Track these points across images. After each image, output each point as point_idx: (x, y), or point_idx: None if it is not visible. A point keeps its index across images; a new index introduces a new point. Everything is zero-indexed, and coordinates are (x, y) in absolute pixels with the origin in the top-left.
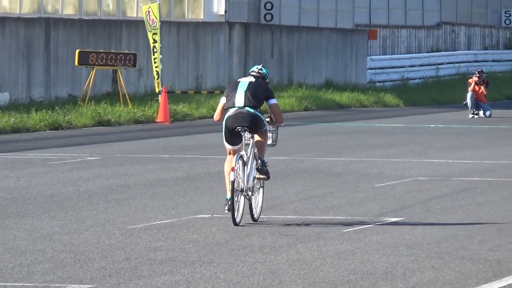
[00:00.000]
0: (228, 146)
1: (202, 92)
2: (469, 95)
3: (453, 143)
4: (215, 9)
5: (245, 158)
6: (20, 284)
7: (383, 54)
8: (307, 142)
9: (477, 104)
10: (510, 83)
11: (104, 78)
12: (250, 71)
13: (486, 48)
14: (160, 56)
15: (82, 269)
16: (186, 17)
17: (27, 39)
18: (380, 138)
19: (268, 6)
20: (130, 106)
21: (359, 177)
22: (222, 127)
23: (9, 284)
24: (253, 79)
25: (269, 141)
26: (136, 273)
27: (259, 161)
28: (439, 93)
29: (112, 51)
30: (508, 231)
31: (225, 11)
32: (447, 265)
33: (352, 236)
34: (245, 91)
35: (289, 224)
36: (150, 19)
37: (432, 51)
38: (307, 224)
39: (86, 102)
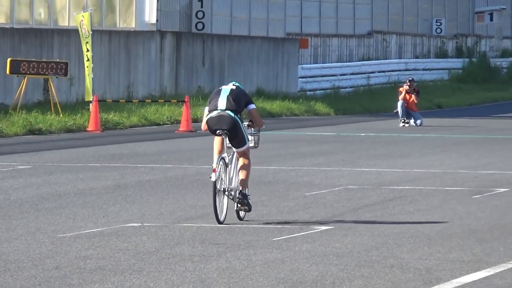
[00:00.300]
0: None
1: (133, 100)
2: (399, 103)
3: (383, 151)
4: (146, 18)
5: (226, 160)
6: None
7: (314, 63)
8: None
9: (408, 112)
10: (440, 92)
11: (36, 87)
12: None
13: (417, 57)
14: (92, 65)
15: (12, 277)
16: (118, 26)
17: None
18: (310, 147)
19: (200, 15)
20: (61, 115)
21: (290, 185)
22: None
23: None
24: (234, 87)
25: (251, 144)
26: (66, 282)
27: (240, 195)
28: (370, 102)
29: (44, 60)
30: (438, 240)
31: (157, 20)
32: (376, 274)
33: (282, 245)
34: (228, 96)
35: (219, 233)
36: (83, 28)
37: (363, 60)
38: (237, 233)
39: (17, 111)
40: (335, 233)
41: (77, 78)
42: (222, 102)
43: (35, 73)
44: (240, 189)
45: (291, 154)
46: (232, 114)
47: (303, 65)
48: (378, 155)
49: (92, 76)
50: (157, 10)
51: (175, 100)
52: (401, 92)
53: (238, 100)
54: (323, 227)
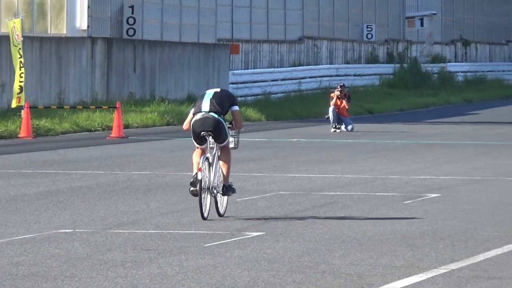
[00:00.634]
0: (196, 145)
1: (65, 107)
2: (331, 109)
3: (314, 157)
4: (77, 24)
5: (210, 160)
6: None
7: (245, 69)
8: (169, 157)
9: (339, 118)
10: (371, 97)
11: None
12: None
13: (348, 62)
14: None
15: None
16: (49, 32)
17: None
18: (242, 153)
19: (131, 21)
20: None
21: None
22: (191, 130)
23: None
24: (218, 90)
25: (232, 145)
26: None
27: (224, 188)
28: (301, 107)
29: None
30: (369, 245)
31: (88, 26)
32: (308, 279)
33: (214, 251)
34: (211, 99)
35: (151, 239)
36: (15, 34)
37: (295, 65)
38: (168, 239)
39: None
40: (267, 239)
41: (8, 85)
42: (205, 105)
43: None
44: (223, 183)
45: None
46: (216, 116)
47: (234, 71)
48: (309, 160)
49: (24, 82)
50: (88, 16)
51: (106, 106)
52: (332, 98)
53: (222, 102)
54: (255, 233)
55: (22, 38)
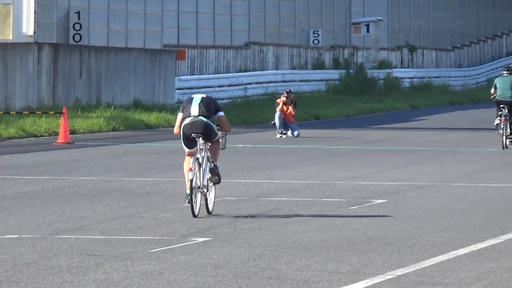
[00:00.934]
0: (186, 149)
1: (11, 112)
2: (277, 115)
3: (261, 163)
4: (24, 30)
5: (200, 161)
6: None
7: (191, 75)
8: (115, 162)
9: (285, 124)
10: (318, 103)
11: None
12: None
13: (294, 68)
14: None
15: None
16: None
17: None
18: None
19: (77, 27)
20: None
21: (167, 197)
22: (180, 134)
23: None
24: (204, 95)
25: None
26: None
27: (213, 164)
28: (247, 113)
29: None
30: (315, 251)
31: (34, 32)
32: (254, 285)
33: (160, 256)
34: (199, 103)
35: (97, 244)
36: None
37: (241, 71)
38: (114, 244)
39: None
40: (213, 245)
41: None
42: (194, 110)
43: None
44: (212, 160)
45: (168, 166)
46: (205, 119)
47: (180, 77)
48: (256, 166)
49: None
50: (35, 22)
51: (53, 112)
52: (279, 104)
53: (209, 107)
54: (201, 239)
55: None
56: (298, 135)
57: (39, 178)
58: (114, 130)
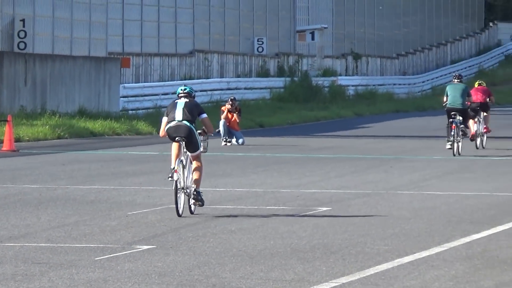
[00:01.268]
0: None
1: None
2: (221, 122)
3: (205, 170)
4: None
5: (184, 163)
6: None
7: (136, 82)
8: (60, 170)
9: (230, 131)
10: (262, 111)
11: None
12: (178, 93)
13: (239, 76)
14: None
15: None
16: None
17: None
18: (133, 166)
19: (22, 34)
20: None
21: (112, 205)
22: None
23: None
24: (187, 100)
25: (201, 149)
26: None
27: (195, 192)
28: None
29: None
30: (260, 259)
31: None
32: None
33: (104, 264)
34: (183, 108)
35: (42, 252)
36: None
37: (185, 79)
38: (59, 252)
39: None
40: (157, 252)
41: None
42: (178, 114)
43: None
44: (195, 187)
45: (113, 174)
46: (188, 124)
47: (125, 85)
48: None
49: None
50: None
51: None
52: (223, 111)
53: (192, 111)
54: (145, 247)
55: None
56: (242, 143)
57: None
58: (59, 138)
